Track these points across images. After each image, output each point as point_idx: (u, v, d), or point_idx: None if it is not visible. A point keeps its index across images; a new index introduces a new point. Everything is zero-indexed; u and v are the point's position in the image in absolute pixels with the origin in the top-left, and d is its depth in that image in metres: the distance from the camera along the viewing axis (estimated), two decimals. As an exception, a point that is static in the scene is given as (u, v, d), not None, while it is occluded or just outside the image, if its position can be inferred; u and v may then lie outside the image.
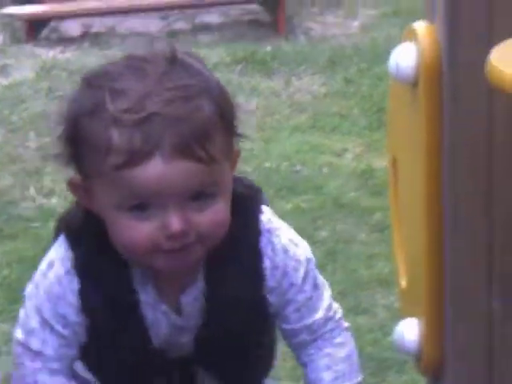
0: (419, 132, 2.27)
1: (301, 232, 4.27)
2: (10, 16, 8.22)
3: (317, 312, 2.29)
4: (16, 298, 3.32)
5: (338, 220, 4.46)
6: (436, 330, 2.35)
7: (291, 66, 6.45)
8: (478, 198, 2.27)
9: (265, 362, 2.47)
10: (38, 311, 2.13)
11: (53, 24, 7.99)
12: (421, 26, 2.28)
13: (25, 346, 2.15)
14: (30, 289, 2.23)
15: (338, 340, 2.36)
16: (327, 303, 2.33)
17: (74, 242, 2.17)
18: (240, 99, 6.28)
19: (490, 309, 2.28)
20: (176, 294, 2.18)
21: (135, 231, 2.01)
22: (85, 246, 2.15)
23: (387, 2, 7.48)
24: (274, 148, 5.38)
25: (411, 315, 2.40)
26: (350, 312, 3.83)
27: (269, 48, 6.74)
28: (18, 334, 2.18)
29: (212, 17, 7.58)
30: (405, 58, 2.25)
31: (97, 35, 7.54)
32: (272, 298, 2.25)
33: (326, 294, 2.34)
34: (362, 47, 6.57)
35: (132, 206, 1.99)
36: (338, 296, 3.92)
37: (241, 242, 2.21)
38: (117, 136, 1.92)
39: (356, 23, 7.26)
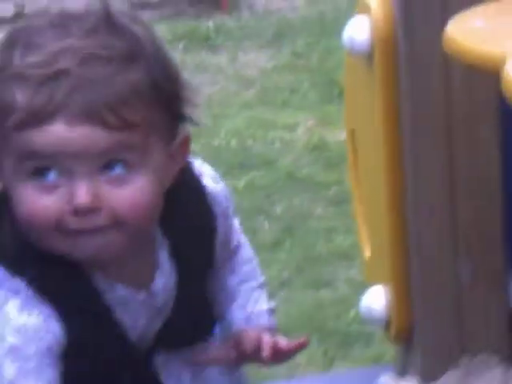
0: (377, 102, 2.33)
1: (256, 209, 4.34)
2: None
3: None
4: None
5: (293, 195, 4.46)
6: (404, 295, 2.41)
7: (236, 41, 6.44)
8: (438, 159, 2.34)
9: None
10: (15, 355, 1.95)
11: None
12: (371, 1, 2.33)
13: None
14: None
15: (245, 254, 2.24)
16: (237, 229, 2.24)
17: (18, 268, 1.98)
18: (184, 76, 6.20)
19: (456, 273, 2.36)
20: (145, 279, 2.06)
21: (35, 203, 1.84)
22: (32, 265, 1.96)
23: None
24: (223, 124, 5.34)
25: (377, 283, 2.45)
26: (310, 286, 3.86)
27: (211, 23, 6.72)
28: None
29: None
30: (359, 31, 2.31)
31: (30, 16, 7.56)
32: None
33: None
34: (309, 20, 6.53)
35: (31, 172, 1.82)
36: (298, 271, 3.99)
37: (189, 202, 2.08)
38: (19, 93, 1.79)
39: None
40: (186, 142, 2.02)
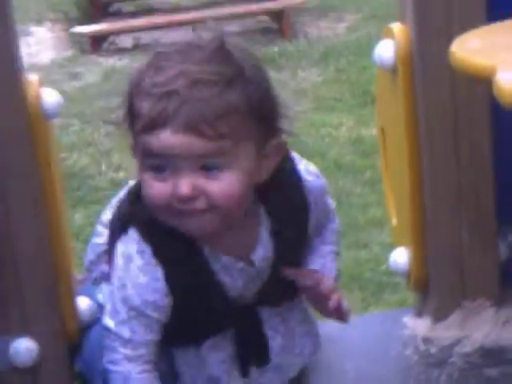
0: (399, 106, 2.32)
1: None
2: (79, 34, 8.12)
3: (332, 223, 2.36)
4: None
5: (339, 178, 4.43)
6: (421, 254, 2.40)
7: (295, 61, 6.35)
8: (446, 152, 2.32)
9: None
10: (126, 302, 2.08)
11: (111, 38, 7.93)
12: (396, 27, 2.32)
13: (117, 335, 2.08)
14: (114, 283, 2.15)
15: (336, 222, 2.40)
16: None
17: (146, 234, 2.10)
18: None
19: (460, 238, 2.36)
20: (247, 251, 2.13)
21: (153, 189, 1.97)
22: (156, 236, 2.08)
23: (366, 8, 7.38)
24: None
25: (402, 245, 2.46)
26: (351, 247, 3.84)
27: (276, 49, 6.62)
28: (109, 323, 2.10)
29: (232, 27, 7.58)
30: (386, 51, 2.31)
31: (145, 46, 7.48)
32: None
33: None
34: (348, 44, 6.47)
35: (150, 167, 1.96)
36: (343, 236, 4.00)
37: (289, 192, 2.16)
38: (145, 105, 1.90)
39: (343, 25, 7.20)
40: (280, 145, 2.08)
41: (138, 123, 1.93)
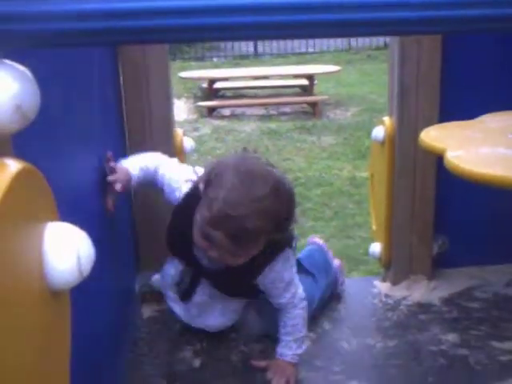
0: (384, 164, 2.30)
1: (322, 204, 4.37)
2: (201, 106, 7.87)
3: (283, 298, 1.88)
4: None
5: (339, 199, 4.35)
6: (388, 248, 2.40)
7: (320, 130, 6.26)
8: (409, 190, 2.30)
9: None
10: None
11: (218, 110, 7.74)
12: (386, 119, 2.29)
13: None
14: None
15: (293, 314, 1.88)
16: (291, 295, 1.88)
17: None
18: (298, 145, 5.89)
19: (411, 239, 2.36)
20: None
21: (198, 242, 1.73)
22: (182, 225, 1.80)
23: (364, 104, 7.27)
24: (311, 167, 5.18)
25: (377, 241, 2.46)
26: (344, 238, 3.69)
27: (311, 123, 6.52)
28: None
29: (287, 109, 7.56)
30: (379, 132, 2.30)
31: (237, 115, 7.32)
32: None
33: (293, 290, 1.89)
34: (352, 124, 6.34)
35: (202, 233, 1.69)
36: (339, 232, 3.81)
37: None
38: (211, 210, 1.63)
39: (349, 113, 6.96)
40: (288, 242, 1.89)
41: (206, 214, 1.67)
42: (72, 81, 1.33)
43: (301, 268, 2.11)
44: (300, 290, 1.90)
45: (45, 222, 0.71)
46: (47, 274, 0.68)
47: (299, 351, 1.90)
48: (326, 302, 2.27)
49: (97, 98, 1.65)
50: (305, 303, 1.91)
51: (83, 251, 0.70)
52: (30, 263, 0.65)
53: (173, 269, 1.99)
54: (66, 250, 0.69)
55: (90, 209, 1.52)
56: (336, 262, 2.37)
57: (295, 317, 1.89)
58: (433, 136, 1.79)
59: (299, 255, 2.23)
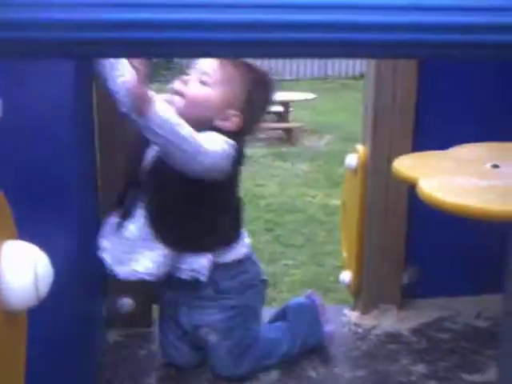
0: (357, 192, 2.31)
1: (294, 231, 4.27)
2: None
3: None
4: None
5: (311, 226, 4.31)
6: (358, 276, 2.40)
7: (294, 158, 6.31)
8: (381, 218, 2.30)
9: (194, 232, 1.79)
10: None
11: None
12: (359, 146, 2.30)
13: None
14: None
15: None
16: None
17: None
18: (271, 171, 5.82)
19: (383, 268, 2.34)
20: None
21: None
22: None
23: (338, 133, 7.33)
24: (283, 193, 5.16)
25: (347, 270, 2.45)
26: (313, 266, 3.66)
27: (285, 149, 6.60)
28: None
29: (262, 135, 7.56)
30: (352, 160, 2.31)
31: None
32: None
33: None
34: (325, 152, 6.40)
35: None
36: (310, 260, 3.76)
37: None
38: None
39: (324, 141, 7.12)
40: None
41: None
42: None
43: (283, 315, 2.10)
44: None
45: (1, 240, 0.68)
46: (3, 293, 0.66)
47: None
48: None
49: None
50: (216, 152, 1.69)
51: (41, 271, 0.67)
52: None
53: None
54: (23, 268, 0.66)
55: (54, 225, 1.47)
56: (328, 328, 2.15)
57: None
58: (406, 165, 1.81)
59: (289, 303, 2.18)
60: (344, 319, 2.39)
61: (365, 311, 2.41)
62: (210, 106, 1.74)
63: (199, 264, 1.81)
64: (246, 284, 1.93)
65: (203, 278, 1.81)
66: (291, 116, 8.17)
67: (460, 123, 2.17)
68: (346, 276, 2.44)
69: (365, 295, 2.41)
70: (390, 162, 1.89)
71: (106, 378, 1.96)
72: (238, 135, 1.76)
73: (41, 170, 1.34)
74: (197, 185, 1.70)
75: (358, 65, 12.08)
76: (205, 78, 1.75)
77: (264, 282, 2.01)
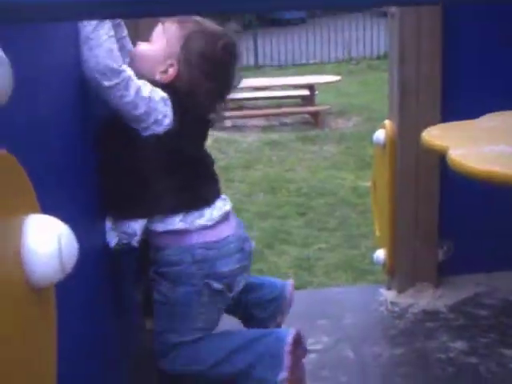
0: (385, 169, 2.33)
1: (327, 214, 4.23)
2: None
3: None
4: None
5: (343, 208, 4.29)
6: (392, 254, 2.40)
7: (322, 140, 6.24)
8: (412, 194, 2.31)
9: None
10: None
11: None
12: (387, 122, 2.32)
13: None
14: None
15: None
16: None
17: None
18: (300, 155, 5.78)
19: (415, 245, 2.36)
20: None
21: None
22: None
23: (365, 113, 7.27)
24: (313, 176, 5.15)
25: (381, 248, 2.47)
26: (348, 248, 3.65)
27: (313, 133, 6.53)
28: None
29: (288, 119, 7.52)
30: (381, 136, 2.33)
31: (238, 126, 7.20)
32: None
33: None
34: (354, 134, 6.36)
35: None
36: (343, 242, 3.75)
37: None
38: None
39: (351, 123, 6.97)
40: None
41: None
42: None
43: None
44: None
45: (24, 214, 0.68)
46: (28, 267, 0.65)
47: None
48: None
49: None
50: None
51: (65, 244, 0.67)
52: (8, 257, 0.63)
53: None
54: (47, 241, 0.66)
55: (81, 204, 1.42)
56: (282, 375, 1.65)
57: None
58: (435, 135, 1.80)
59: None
60: (380, 299, 2.40)
61: (401, 290, 2.40)
62: (149, 59, 1.69)
63: (131, 228, 1.64)
64: (176, 276, 1.70)
65: (134, 243, 1.64)
66: (316, 99, 8.13)
67: (488, 93, 2.16)
68: (380, 254, 2.44)
69: (400, 274, 2.40)
70: (418, 134, 1.88)
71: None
72: (176, 88, 1.67)
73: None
74: (134, 143, 1.61)
75: (382, 45, 11.98)
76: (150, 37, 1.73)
77: (217, 291, 1.69)
